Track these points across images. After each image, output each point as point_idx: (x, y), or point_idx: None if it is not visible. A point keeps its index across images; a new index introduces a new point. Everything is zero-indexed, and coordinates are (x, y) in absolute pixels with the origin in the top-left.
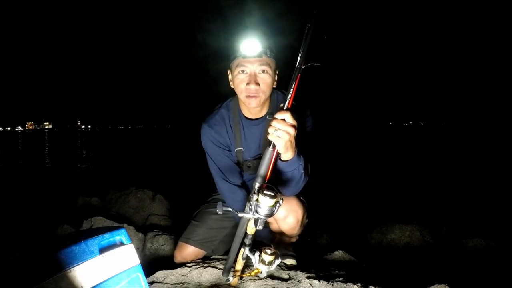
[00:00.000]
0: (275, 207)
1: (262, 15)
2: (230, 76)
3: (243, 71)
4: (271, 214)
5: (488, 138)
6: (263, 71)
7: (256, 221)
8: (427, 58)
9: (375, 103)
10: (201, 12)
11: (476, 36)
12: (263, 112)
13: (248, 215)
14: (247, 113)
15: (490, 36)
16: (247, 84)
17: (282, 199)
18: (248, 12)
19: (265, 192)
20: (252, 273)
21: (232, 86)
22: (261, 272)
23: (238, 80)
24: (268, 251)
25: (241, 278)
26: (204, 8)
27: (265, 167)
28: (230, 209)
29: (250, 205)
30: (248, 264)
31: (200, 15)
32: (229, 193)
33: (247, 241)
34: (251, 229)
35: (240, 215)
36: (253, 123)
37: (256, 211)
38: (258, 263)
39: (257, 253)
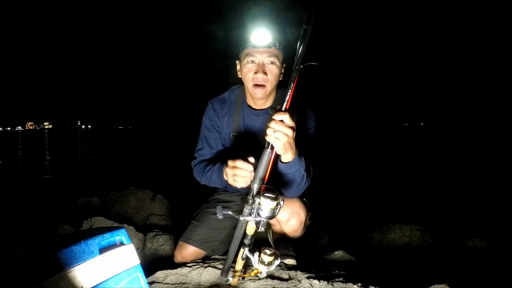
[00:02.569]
0: (277, 208)
1: (272, 8)
2: (238, 66)
3: (252, 61)
4: (272, 216)
5: (487, 138)
6: (271, 62)
7: (257, 223)
8: (427, 58)
9: (375, 103)
10: (202, 11)
11: (475, 36)
12: (267, 105)
13: (250, 218)
14: (251, 103)
15: (489, 36)
16: (255, 73)
17: (283, 200)
18: (255, 5)
19: (266, 194)
20: (252, 274)
21: (240, 76)
22: (261, 272)
23: (247, 69)
24: (268, 252)
25: (240, 278)
26: (204, 7)
27: (263, 169)
28: (230, 212)
29: (252, 208)
30: (247, 264)
31: (200, 14)
32: (196, 166)
33: (246, 241)
34: (250, 230)
35: (241, 218)
36: (255, 112)
37: (258, 213)
38: (258, 263)
39: (256, 254)
